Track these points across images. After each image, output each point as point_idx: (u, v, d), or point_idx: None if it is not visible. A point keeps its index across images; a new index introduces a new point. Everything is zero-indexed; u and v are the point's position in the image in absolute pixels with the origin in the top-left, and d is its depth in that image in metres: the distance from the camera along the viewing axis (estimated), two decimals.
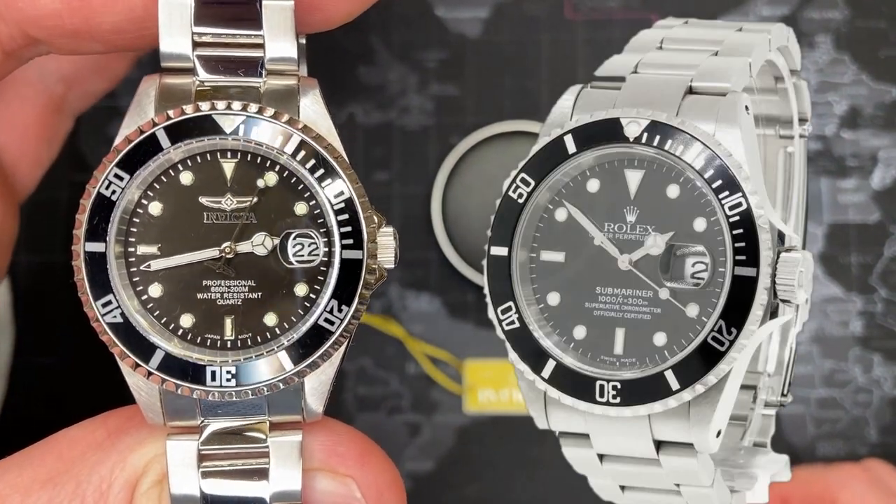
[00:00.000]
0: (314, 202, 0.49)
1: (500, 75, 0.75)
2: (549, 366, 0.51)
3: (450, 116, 0.75)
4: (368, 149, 0.75)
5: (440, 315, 0.75)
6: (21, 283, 0.74)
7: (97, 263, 0.48)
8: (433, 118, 0.75)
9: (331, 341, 0.48)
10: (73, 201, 0.74)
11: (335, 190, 0.48)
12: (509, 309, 0.52)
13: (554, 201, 0.52)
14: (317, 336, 0.48)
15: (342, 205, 0.48)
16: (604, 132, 0.51)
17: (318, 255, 0.48)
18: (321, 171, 0.48)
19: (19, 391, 0.73)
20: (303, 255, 0.48)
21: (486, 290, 0.52)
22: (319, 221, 0.49)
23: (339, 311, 0.48)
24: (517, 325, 0.52)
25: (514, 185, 0.52)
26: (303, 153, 0.48)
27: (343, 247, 0.48)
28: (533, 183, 0.52)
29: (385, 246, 0.49)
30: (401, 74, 0.75)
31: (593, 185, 0.52)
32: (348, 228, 0.48)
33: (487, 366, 0.74)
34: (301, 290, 0.48)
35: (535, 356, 0.51)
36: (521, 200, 0.52)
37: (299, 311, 0.48)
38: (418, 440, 0.74)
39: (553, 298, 0.52)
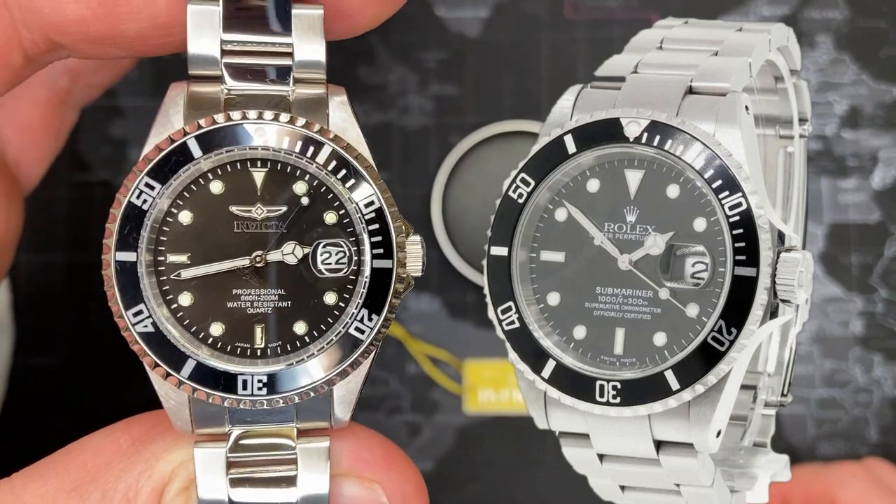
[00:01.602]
0: (343, 211, 0.49)
1: (500, 75, 0.75)
2: (549, 366, 0.51)
3: (450, 116, 0.75)
4: (369, 149, 0.75)
5: (440, 315, 0.75)
6: (21, 283, 0.73)
7: (128, 273, 0.47)
8: (433, 118, 0.75)
9: (360, 350, 0.48)
10: (72, 201, 0.74)
11: (365, 199, 0.48)
12: (509, 309, 0.52)
13: (554, 201, 0.52)
14: (347, 345, 0.48)
15: (372, 214, 0.48)
16: (604, 132, 0.51)
17: (346, 263, 0.49)
18: (352, 181, 0.48)
19: (19, 391, 0.73)
20: (331, 264, 0.49)
21: (486, 290, 0.52)
22: (349, 230, 0.49)
23: (370, 319, 0.48)
24: (517, 325, 0.52)
25: (514, 185, 0.52)
26: (334, 163, 0.48)
27: (373, 256, 0.48)
28: (533, 183, 0.52)
29: (414, 254, 0.49)
30: (401, 74, 0.75)
31: (593, 185, 0.52)
32: (378, 238, 0.48)
33: (487, 366, 0.74)
34: (330, 298, 0.49)
35: (535, 356, 0.51)
36: (521, 200, 0.52)
37: (329, 319, 0.49)
38: (418, 440, 0.74)
39: (553, 298, 0.52)
